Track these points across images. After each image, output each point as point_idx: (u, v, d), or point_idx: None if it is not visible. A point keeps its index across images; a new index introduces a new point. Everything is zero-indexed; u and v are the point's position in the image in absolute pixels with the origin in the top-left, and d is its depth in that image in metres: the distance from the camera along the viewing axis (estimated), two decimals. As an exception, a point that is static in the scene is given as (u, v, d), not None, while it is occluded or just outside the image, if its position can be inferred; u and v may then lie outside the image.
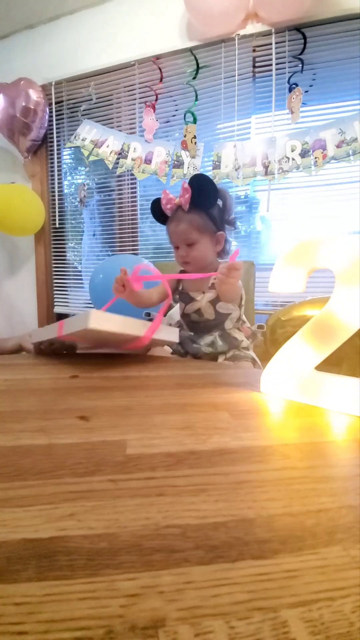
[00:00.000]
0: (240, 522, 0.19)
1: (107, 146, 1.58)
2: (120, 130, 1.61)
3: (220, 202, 0.78)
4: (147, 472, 0.24)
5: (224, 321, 0.80)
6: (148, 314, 0.98)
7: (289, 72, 1.33)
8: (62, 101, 1.72)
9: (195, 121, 1.44)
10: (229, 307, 0.79)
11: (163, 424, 0.32)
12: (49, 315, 1.93)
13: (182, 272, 0.88)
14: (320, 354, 0.37)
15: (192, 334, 0.82)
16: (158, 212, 0.81)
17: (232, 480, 0.23)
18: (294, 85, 1.30)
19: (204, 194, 0.73)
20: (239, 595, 0.15)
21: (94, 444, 0.28)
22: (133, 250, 1.73)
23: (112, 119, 1.66)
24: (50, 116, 1.72)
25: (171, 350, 0.84)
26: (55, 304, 1.93)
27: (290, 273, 0.39)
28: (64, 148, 1.80)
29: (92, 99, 1.65)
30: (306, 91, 1.32)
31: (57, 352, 0.68)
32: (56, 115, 1.73)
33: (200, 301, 0.80)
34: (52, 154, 1.79)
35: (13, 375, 0.50)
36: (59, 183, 1.83)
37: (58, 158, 1.80)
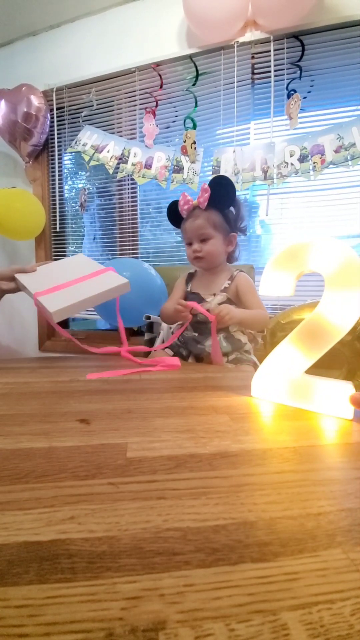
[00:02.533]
0: (240, 525, 0.19)
1: (108, 151, 1.59)
2: (120, 136, 1.63)
3: (233, 209, 0.83)
4: (147, 475, 0.24)
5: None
6: (148, 317, 0.98)
7: (287, 79, 1.35)
8: (63, 107, 1.74)
9: (194, 127, 1.46)
10: None
11: (164, 427, 0.32)
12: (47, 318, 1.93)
13: (190, 275, 0.90)
14: (309, 358, 0.37)
15: (196, 334, 0.82)
16: (172, 215, 0.86)
17: (233, 483, 0.23)
18: (292, 92, 1.31)
19: (224, 193, 0.78)
20: (239, 597, 0.15)
21: (94, 447, 0.28)
22: (133, 254, 1.74)
23: (113, 124, 1.68)
24: (52, 122, 1.73)
25: (172, 352, 0.84)
26: (55, 307, 1.93)
27: (280, 277, 0.39)
28: (65, 153, 1.81)
29: (93, 105, 1.66)
30: (304, 97, 1.34)
31: None
32: (57, 121, 1.75)
33: (210, 302, 0.81)
34: (53, 159, 1.81)
35: (14, 378, 0.50)
36: (59, 187, 1.84)
37: (59, 163, 1.82)
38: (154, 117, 1.53)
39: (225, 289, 0.82)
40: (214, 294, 0.82)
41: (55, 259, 1.94)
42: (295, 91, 1.31)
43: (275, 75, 1.36)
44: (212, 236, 0.81)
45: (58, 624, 0.14)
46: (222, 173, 1.41)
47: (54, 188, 1.85)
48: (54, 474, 0.24)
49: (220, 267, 0.86)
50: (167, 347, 0.85)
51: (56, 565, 0.17)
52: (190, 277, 0.92)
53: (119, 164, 1.58)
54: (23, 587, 0.15)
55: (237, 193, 1.42)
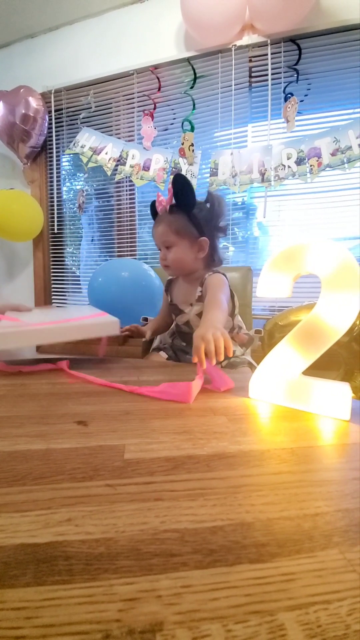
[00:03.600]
0: (238, 526, 0.19)
1: (106, 153, 1.59)
2: (118, 138, 1.63)
3: (208, 206, 0.75)
4: (145, 476, 0.24)
5: None
6: (145, 319, 0.98)
7: (284, 82, 1.36)
8: (61, 109, 1.74)
9: (192, 129, 1.46)
10: None
11: (161, 429, 0.32)
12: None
13: (170, 281, 0.88)
14: (307, 359, 0.37)
15: (184, 344, 0.81)
16: (154, 213, 0.79)
17: (230, 484, 0.23)
18: (289, 95, 1.32)
19: (183, 194, 0.70)
20: (236, 598, 0.15)
21: (92, 448, 0.28)
22: (131, 255, 1.74)
23: (111, 126, 1.68)
24: (50, 123, 1.74)
25: (166, 356, 0.84)
26: (53, 309, 1.93)
27: (277, 278, 0.39)
28: (63, 155, 1.82)
29: (91, 107, 1.67)
30: (301, 100, 1.35)
31: None
32: (55, 123, 1.75)
33: (189, 314, 0.78)
34: (51, 161, 1.81)
35: (11, 380, 0.49)
36: (57, 189, 1.84)
37: (57, 164, 1.82)
38: (152, 120, 1.54)
39: (199, 297, 0.75)
40: (191, 304, 0.78)
41: (54, 261, 1.93)
42: (292, 94, 1.32)
43: (272, 79, 1.38)
44: (174, 243, 0.73)
45: (55, 625, 0.14)
46: (220, 175, 1.41)
47: (52, 189, 1.85)
48: (51, 475, 0.24)
49: (196, 275, 0.78)
50: (161, 351, 0.84)
51: (53, 567, 0.16)
52: (170, 283, 0.87)
53: (117, 165, 1.58)
54: (20, 589, 0.15)
55: (234, 195, 1.44)
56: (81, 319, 0.60)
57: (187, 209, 0.72)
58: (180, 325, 0.81)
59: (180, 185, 0.69)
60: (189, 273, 0.78)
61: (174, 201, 0.71)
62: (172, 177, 0.74)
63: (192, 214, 0.72)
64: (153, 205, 0.77)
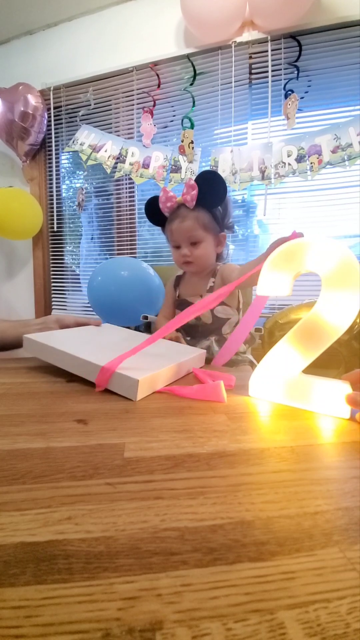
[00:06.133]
0: (238, 525, 0.19)
1: (105, 151, 1.59)
2: (118, 135, 1.63)
3: (221, 207, 0.76)
4: (145, 475, 0.24)
5: (221, 326, 0.80)
6: (145, 317, 0.98)
7: (284, 79, 1.35)
8: (60, 106, 1.73)
9: (192, 126, 1.46)
10: (227, 312, 0.79)
11: (161, 427, 0.32)
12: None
13: (178, 277, 0.88)
14: (307, 357, 0.37)
15: (188, 338, 0.82)
16: (152, 212, 0.77)
17: (230, 482, 0.23)
18: (289, 92, 1.32)
19: (213, 191, 0.70)
20: (236, 597, 0.15)
21: (92, 447, 0.28)
22: (131, 253, 1.74)
23: (111, 124, 1.67)
24: (49, 121, 1.73)
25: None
26: (53, 307, 1.93)
27: (277, 276, 0.39)
28: (62, 152, 1.81)
29: (90, 104, 1.66)
30: (302, 97, 1.34)
31: None
32: (55, 120, 1.74)
33: None
34: (50, 158, 1.80)
35: (11, 378, 0.49)
36: (57, 187, 1.84)
37: (56, 162, 1.81)
38: (152, 117, 1.53)
39: (211, 288, 0.78)
40: (201, 295, 0.79)
41: (53, 260, 1.93)
42: (292, 91, 1.31)
43: (272, 76, 1.37)
44: (202, 239, 0.74)
45: (55, 624, 0.14)
46: (220, 172, 1.41)
47: (51, 187, 1.84)
48: (51, 474, 0.24)
49: (210, 269, 0.81)
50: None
51: (53, 565, 0.16)
52: (178, 280, 0.87)
53: (116, 163, 1.58)
54: (20, 588, 0.15)
55: (234, 193, 1.44)
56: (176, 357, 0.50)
57: (215, 205, 0.73)
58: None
59: (210, 181, 0.70)
60: (207, 268, 0.79)
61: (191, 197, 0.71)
62: (190, 174, 0.75)
63: (213, 210, 0.73)
64: (152, 204, 0.76)
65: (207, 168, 1.45)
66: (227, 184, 0.73)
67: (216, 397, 0.40)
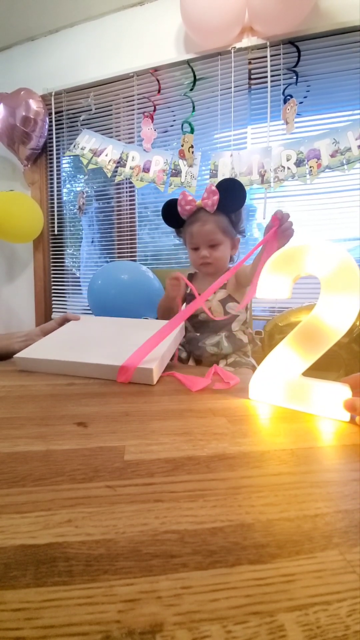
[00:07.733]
0: (238, 527, 0.19)
1: (106, 155, 1.60)
2: (119, 140, 1.64)
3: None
4: (145, 478, 0.24)
5: (231, 322, 0.81)
6: (146, 319, 0.98)
7: (283, 84, 1.36)
8: (61, 111, 1.75)
9: (192, 131, 1.47)
10: (238, 309, 0.80)
11: (161, 430, 0.32)
12: (47, 321, 1.93)
13: (190, 276, 0.90)
14: (307, 360, 0.37)
15: (198, 334, 0.82)
16: (167, 214, 0.82)
17: (230, 485, 0.23)
18: (288, 97, 1.33)
19: (235, 197, 0.75)
20: (236, 599, 0.15)
21: (92, 450, 0.28)
22: (131, 257, 1.74)
23: (111, 128, 1.69)
24: (50, 126, 1.74)
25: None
26: (53, 310, 1.93)
27: (277, 279, 0.39)
28: (63, 157, 1.82)
29: (91, 109, 1.68)
30: (300, 102, 1.35)
31: None
32: (56, 125, 1.76)
33: (211, 301, 0.81)
34: (51, 163, 1.82)
35: (11, 381, 0.49)
36: (58, 191, 1.85)
37: (57, 166, 1.83)
38: (152, 122, 1.54)
39: (224, 285, 0.81)
40: (214, 292, 0.82)
41: (54, 263, 1.93)
42: (291, 96, 1.33)
43: (271, 81, 1.38)
44: (221, 242, 0.79)
45: (55, 627, 0.14)
46: (219, 177, 1.42)
47: (52, 191, 1.85)
48: (51, 477, 0.24)
49: (224, 270, 0.84)
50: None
51: (53, 568, 0.16)
52: (190, 278, 0.91)
53: (117, 167, 1.59)
54: (20, 591, 0.15)
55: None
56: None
57: (235, 210, 0.78)
58: (199, 313, 0.82)
59: (233, 188, 0.75)
60: (224, 269, 0.83)
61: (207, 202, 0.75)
62: (211, 180, 0.82)
63: (230, 215, 0.78)
64: (169, 204, 0.80)
65: (207, 172, 1.46)
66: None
67: (190, 386, 0.45)
